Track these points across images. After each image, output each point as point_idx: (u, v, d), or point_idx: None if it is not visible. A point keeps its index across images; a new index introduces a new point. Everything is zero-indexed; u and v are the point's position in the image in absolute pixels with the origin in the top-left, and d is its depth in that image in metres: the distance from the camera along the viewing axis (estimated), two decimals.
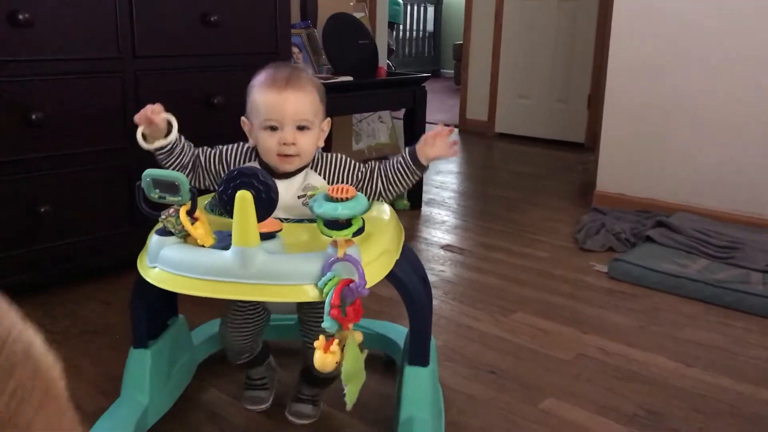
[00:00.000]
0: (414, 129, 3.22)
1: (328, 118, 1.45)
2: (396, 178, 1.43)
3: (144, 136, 1.37)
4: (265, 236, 1.19)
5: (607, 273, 2.49)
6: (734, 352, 1.93)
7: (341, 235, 1.15)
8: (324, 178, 1.42)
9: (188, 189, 1.21)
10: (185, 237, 1.23)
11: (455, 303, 2.23)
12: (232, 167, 1.40)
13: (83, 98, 2.13)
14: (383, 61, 3.91)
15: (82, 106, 2.13)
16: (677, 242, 2.66)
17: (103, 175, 2.22)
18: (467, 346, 1.94)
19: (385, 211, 1.46)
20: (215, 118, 2.43)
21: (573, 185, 3.82)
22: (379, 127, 4.04)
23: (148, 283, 1.26)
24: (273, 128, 1.35)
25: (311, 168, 1.42)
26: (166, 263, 1.21)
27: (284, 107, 1.33)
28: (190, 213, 1.21)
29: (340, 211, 1.13)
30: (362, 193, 1.35)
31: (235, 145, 1.45)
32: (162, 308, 1.58)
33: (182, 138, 1.42)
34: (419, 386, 1.42)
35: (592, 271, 2.53)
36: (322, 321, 1.13)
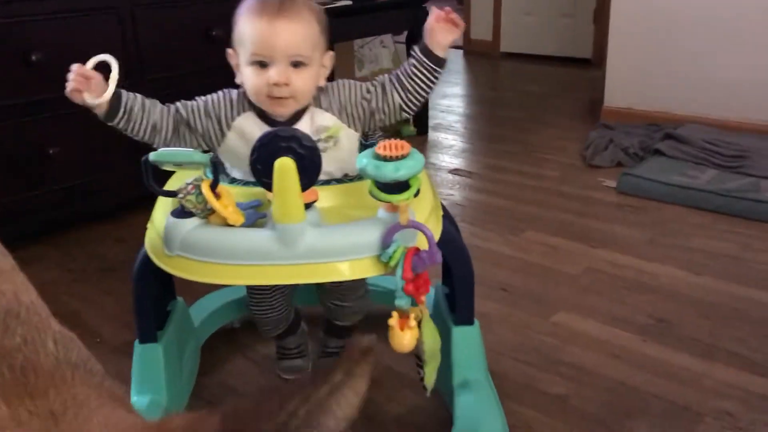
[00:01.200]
0: None
1: (331, 52, 1.25)
2: (415, 84, 1.22)
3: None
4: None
5: (616, 188, 2.49)
6: (743, 259, 1.95)
7: (402, 199, 1.00)
8: (333, 113, 1.24)
9: (208, 159, 1.05)
10: (207, 216, 1.05)
11: (465, 225, 2.25)
12: (224, 120, 1.22)
13: (80, 37, 2.11)
14: None
15: (80, 44, 2.11)
16: (686, 154, 2.64)
17: None
18: (479, 266, 1.95)
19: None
20: (215, 51, 2.40)
21: (581, 102, 3.77)
22: (382, 52, 3.98)
23: (150, 270, 1.13)
24: (262, 64, 1.15)
25: (315, 106, 1.23)
26: (194, 250, 1.04)
27: (275, 39, 1.13)
28: (213, 187, 1.02)
29: (402, 172, 0.98)
30: (380, 113, 1.24)
31: (221, 93, 1.25)
32: (163, 294, 1.39)
33: (136, 96, 1.20)
34: (470, 347, 1.31)
35: (601, 187, 2.53)
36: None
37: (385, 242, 1.01)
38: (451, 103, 3.93)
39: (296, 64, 1.16)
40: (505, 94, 4.28)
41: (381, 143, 1.01)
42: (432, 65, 1.21)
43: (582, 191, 2.51)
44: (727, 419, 1.33)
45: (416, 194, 1.03)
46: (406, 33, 3.26)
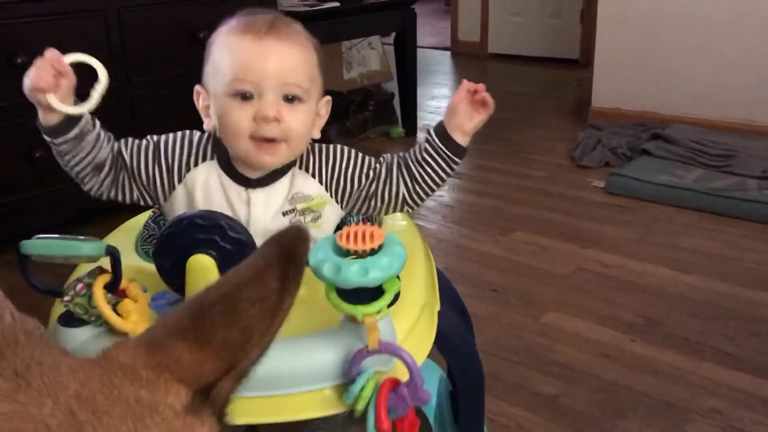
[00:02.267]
0: (405, 53, 3.17)
1: (328, 97, 0.99)
2: (425, 174, 0.98)
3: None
4: None
5: (604, 188, 2.50)
6: (730, 258, 1.97)
7: (371, 311, 0.72)
8: (320, 182, 0.97)
9: (102, 250, 0.74)
10: (105, 323, 0.75)
11: (454, 226, 2.25)
12: (176, 170, 0.94)
13: (66, 39, 2.10)
14: None
15: (66, 46, 2.09)
16: (673, 153, 2.66)
17: (94, 115, 2.20)
18: (468, 267, 1.97)
19: (398, 220, 1.04)
20: (201, 53, 2.40)
21: (568, 103, 3.79)
22: (370, 53, 3.98)
23: None
24: (245, 96, 0.88)
25: (299, 167, 0.96)
26: None
27: (265, 62, 0.88)
28: (112, 286, 0.74)
29: (373, 275, 0.70)
30: (378, 201, 0.98)
31: (179, 134, 0.96)
32: None
33: (96, 121, 0.94)
34: None
35: (590, 187, 2.54)
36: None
37: (350, 374, 0.73)
38: (439, 104, 3.94)
39: (290, 99, 0.90)
40: (493, 95, 4.25)
41: (343, 230, 0.74)
42: (449, 154, 0.98)
43: (571, 191, 2.52)
44: (716, 417, 1.33)
45: (392, 302, 0.74)
46: (393, 34, 3.26)
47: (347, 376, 0.73)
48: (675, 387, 1.42)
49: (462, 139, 0.99)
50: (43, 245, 0.76)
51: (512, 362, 1.52)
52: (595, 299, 1.77)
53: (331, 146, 0.99)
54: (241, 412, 0.68)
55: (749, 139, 2.77)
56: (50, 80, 0.86)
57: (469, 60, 5.20)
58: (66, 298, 0.74)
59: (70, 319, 0.76)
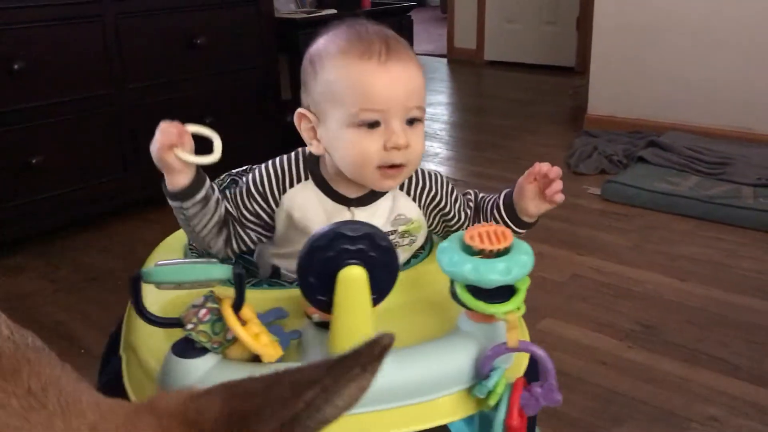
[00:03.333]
0: None
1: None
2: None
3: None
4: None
5: (601, 195, 2.50)
6: (727, 265, 1.97)
7: (509, 311, 0.73)
8: (419, 205, 0.97)
9: (230, 272, 0.73)
10: (224, 350, 0.73)
11: None
12: (270, 196, 0.94)
13: (64, 45, 2.10)
14: None
15: (63, 53, 2.10)
16: (669, 161, 2.67)
17: (91, 122, 2.20)
18: None
19: None
20: (198, 59, 2.40)
21: (564, 110, 3.80)
22: None
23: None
24: (372, 125, 0.86)
25: (400, 188, 0.96)
26: None
27: (392, 89, 0.86)
28: (236, 309, 0.72)
29: (515, 273, 0.72)
30: (449, 232, 0.98)
31: (269, 162, 0.95)
32: None
33: (214, 186, 0.94)
34: None
35: (586, 194, 2.55)
36: None
37: (483, 370, 0.74)
38: (435, 111, 3.94)
39: (411, 121, 0.88)
40: (489, 102, 4.31)
41: (470, 231, 0.75)
42: (514, 227, 0.98)
43: (567, 198, 2.49)
44: (714, 425, 1.33)
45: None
46: None
47: (479, 375, 0.74)
48: (672, 394, 1.42)
49: (528, 219, 0.98)
50: (171, 272, 0.73)
51: None
52: (591, 306, 1.77)
53: (431, 172, 0.99)
54: (378, 424, 0.73)
55: (744, 147, 2.78)
56: (176, 137, 0.86)
57: (466, 67, 5.21)
58: (189, 327, 0.71)
59: (186, 349, 0.72)
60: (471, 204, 1.02)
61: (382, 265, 0.72)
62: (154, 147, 0.86)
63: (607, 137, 3.07)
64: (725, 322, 1.68)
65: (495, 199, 1.01)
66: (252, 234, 0.95)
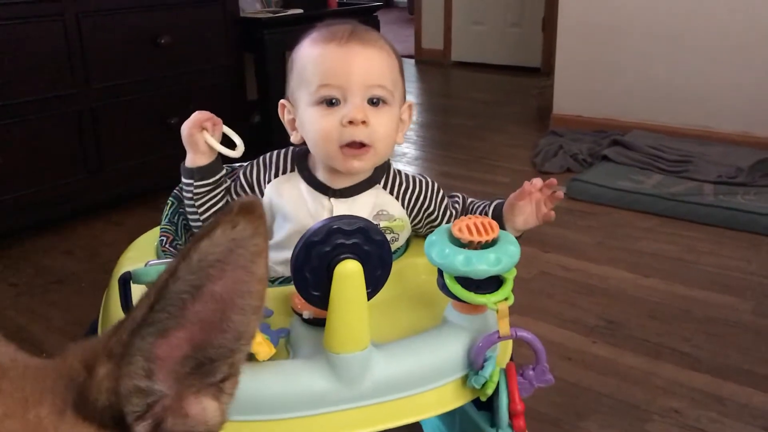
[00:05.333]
0: None
1: (411, 101, 1.04)
2: None
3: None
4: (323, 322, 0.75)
5: (566, 193, 2.54)
6: (688, 261, 2.01)
7: (499, 300, 0.76)
8: (402, 205, 1.00)
9: None
10: None
11: None
12: (257, 186, 0.99)
13: (25, 44, 2.06)
14: None
15: (24, 53, 2.06)
16: (632, 159, 2.71)
17: (52, 122, 2.16)
18: None
19: None
20: (162, 58, 2.38)
21: (530, 110, 3.84)
22: None
23: None
24: (331, 102, 0.90)
25: (383, 186, 0.99)
26: None
27: (349, 65, 0.89)
28: None
29: (504, 263, 0.75)
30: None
31: (261, 156, 1.00)
32: None
33: (227, 178, 1.03)
34: None
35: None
36: None
37: (477, 362, 0.75)
38: None
39: (375, 102, 0.91)
40: (456, 102, 4.33)
41: (457, 223, 0.77)
42: None
43: None
44: (674, 416, 1.36)
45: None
46: None
47: (474, 365, 0.75)
48: (635, 387, 1.45)
49: (514, 233, 0.99)
50: (158, 269, 0.72)
51: None
52: (557, 302, 1.79)
53: (417, 176, 1.02)
54: (370, 419, 0.73)
55: (705, 145, 2.84)
56: (210, 121, 0.95)
57: (433, 67, 5.24)
58: None
59: None
60: (458, 206, 1.05)
61: (377, 259, 0.74)
62: (188, 123, 0.94)
63: (572, 136, 3.11)
64: (687, 317, 1.71)
65: (484, 206, 1.03)
66: None
